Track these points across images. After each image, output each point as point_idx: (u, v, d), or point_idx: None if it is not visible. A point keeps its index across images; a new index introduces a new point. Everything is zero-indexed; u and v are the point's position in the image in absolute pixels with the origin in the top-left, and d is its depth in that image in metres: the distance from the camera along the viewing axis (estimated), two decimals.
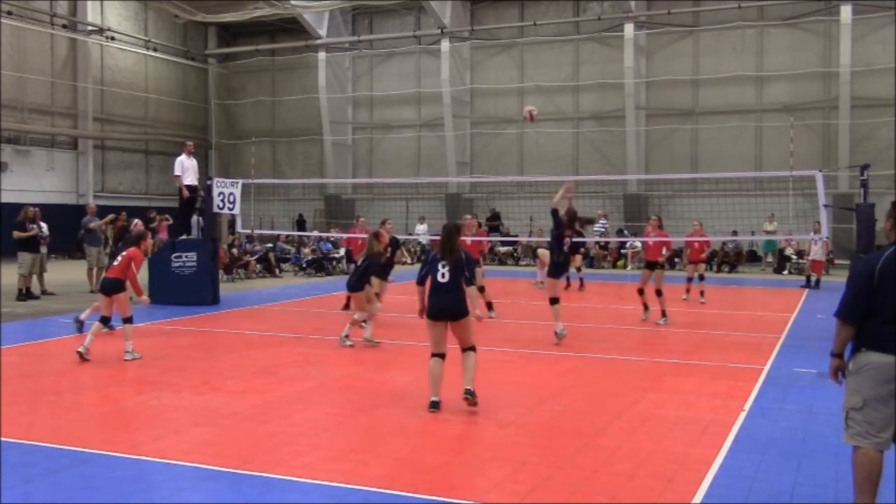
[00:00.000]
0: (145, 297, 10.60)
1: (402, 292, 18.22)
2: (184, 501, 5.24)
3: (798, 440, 6.61)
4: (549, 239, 12.15)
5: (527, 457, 6.14)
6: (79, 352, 9.73)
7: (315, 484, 5.46)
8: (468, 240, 14.18)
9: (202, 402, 7.87)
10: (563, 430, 6.93)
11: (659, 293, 13.50)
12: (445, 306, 7.56)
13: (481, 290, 13.98)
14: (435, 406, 7.46)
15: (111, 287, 10.09)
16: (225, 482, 5.53)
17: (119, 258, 10.35)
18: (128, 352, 9.94)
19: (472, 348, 7.62)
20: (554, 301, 11.20)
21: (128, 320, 10.06)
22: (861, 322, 4.67)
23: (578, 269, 19.10)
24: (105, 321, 10.24)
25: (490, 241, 17.62)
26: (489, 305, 14.08)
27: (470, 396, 7.39)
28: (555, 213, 11.30)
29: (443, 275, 7.61)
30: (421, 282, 7.96)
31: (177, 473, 5.74)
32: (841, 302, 4.77)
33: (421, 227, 28.78)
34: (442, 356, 7.60)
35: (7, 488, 5.27)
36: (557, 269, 11.40)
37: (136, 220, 17.86)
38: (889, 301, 4.59)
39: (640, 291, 13.89)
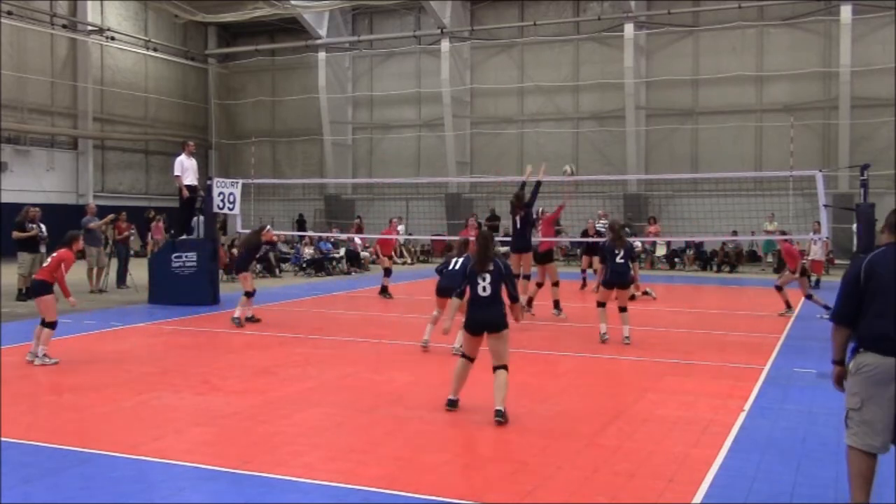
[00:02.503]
0: (73, 300, 9.96)
1: (400, 292, 18.21)
2: (184, 501, 5.24)
3: (798, 440, 6.61)
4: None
5: (527, 457, 6.14)
6: (29, 361, 9.62)
7: (315, 484, 5.46)
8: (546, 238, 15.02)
9: (202, 402, 7.87)
10: (563, 430, 6.93)
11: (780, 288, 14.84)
12: (486, 320, 7.35)
13: (555, 284, 14.31)
14: (453, 405, 7.45)
15: (37, 289, 9.76)
16: (225, 482, 5.53)
17: (49, 259, 10.00)
18: (38, 356, 9.62)
19: (505, 367, 7.29)
20: (600, 304, 11.71)
21: (50, 325, 9.68)
22: (858, 322, 4.68)
23: (583, 271, 19.37)
24: (45, 323, 9.81)
25: (558, 241, 18.28)
26: (556, 304, 14.17)
27: (500, 418, 7.02)
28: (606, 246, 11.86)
29: (483, 288, 7.38)
30: (461, 295, 7.63)
31: (177, 473, 5.74)
32: (834, 305, 4.83)
33: (399, 228, 28.54)
34: (472, 360, 7.52)
35: (7, 488, 5.27)
36: (609, 278, 11.67)
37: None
38: (884, 293, 4.59)
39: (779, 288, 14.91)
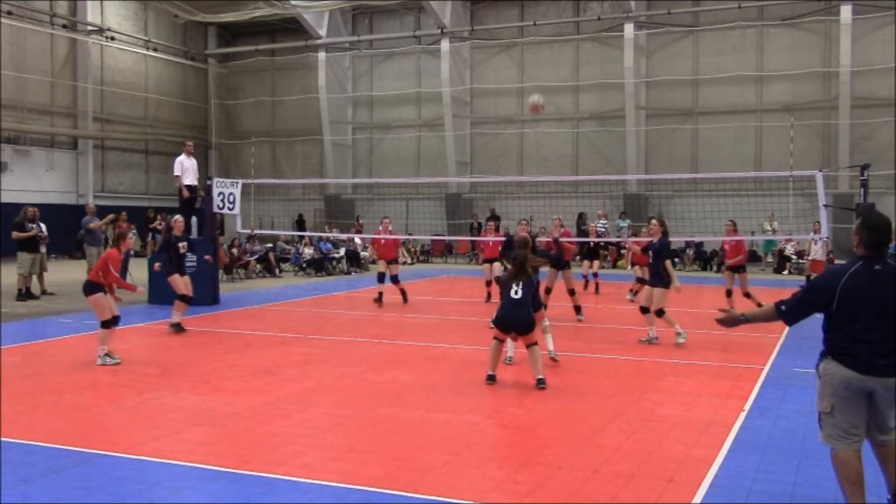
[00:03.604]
0: (141, 289, 10.07)
1: (399, 293, 18.20)
2: (184, 501, 5.23)
3: (798, 440, 6.61)
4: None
5: (527, 457, 6.14)
6: (100, 365, 9.59)
7: (315, 484, 5.46)
8: (564, 239, 14.56)
9: (202, 402, 7.87)
10: (563, 430, 6.93)
11: (748, 295, 14.26)
12: (516, 319, 8.56)
13: (571, 292, 14.22)
14: (491, 379, 8.54)
15: (86, 289, 9.82)
16: (225, 482, 5.53)
17: (98, 260, 10.16)
18: (99, 356, 9.59)
19: (535, 343, 8.62)
20: (661, 313, 11.43)
21: (104, 324, 9.69)
22: (827, 331, 4.73)
23: (595, 275, 19.37)
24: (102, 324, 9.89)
25: (577, 242, 17.86)
26: (577, 309, 14.04)
27: (542, 385, 8.36)
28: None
29: (516, 291, 8.57)
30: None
31: (177, 473, 5.74)
32: (791, 298, 4.81)
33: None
34: (503, 341, 8.78)
35: (7, 488, 5.27)
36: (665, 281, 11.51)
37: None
38: (860, 316, 4.59)
39: (729, 293, 14.52)
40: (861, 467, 4.68)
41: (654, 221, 12.25)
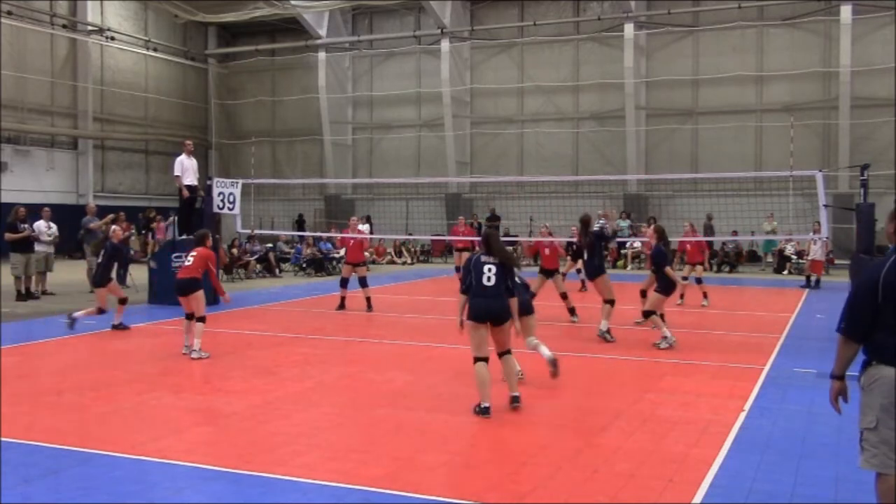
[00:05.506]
0: (227, 297, 10.71)
1: (401, 292, 18.20)
2: (184, 501, 5.23)
3: (798, 440, 6.61)
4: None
5: (527, 457, 6.14)
6: (185, 353, 10.07)
7: (315, 484, 5.46)
8: (538, 241, 14.14)
9: (202, 402, 7.87)
10: (563, 430, 6.93)
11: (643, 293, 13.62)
12: (490, 309, 7.45)
13: (564, 296, 13.98)
14: (486, 412, 7.26)
15: (187, 286, 10.18)
16: (225, 482, 5.53)
17: (190, 259, 10.40)
18: (194, 350, 10.04)
19: (509, 351, 7.71)
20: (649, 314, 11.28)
21: (202, 319, 10.16)
22: (871, 334, 4.31)
23: (579, 271, 19.31)
24: (190, 317, 10.28)
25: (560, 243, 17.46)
26: (572, 311, 13.82)
27: (517, 403, 7.55)
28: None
29: (489, 278, 7.47)
30: (466, 290, 7.55)
31: (177, 473, 5.74)
32: (842, 315, 4.47)
33: (364, 227, 27.98)
34: (486, 360, 7.46)
35: (7, 488, 5.27)
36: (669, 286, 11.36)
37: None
38: None
39: (643, 293, 13.65)
40: None
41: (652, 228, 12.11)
